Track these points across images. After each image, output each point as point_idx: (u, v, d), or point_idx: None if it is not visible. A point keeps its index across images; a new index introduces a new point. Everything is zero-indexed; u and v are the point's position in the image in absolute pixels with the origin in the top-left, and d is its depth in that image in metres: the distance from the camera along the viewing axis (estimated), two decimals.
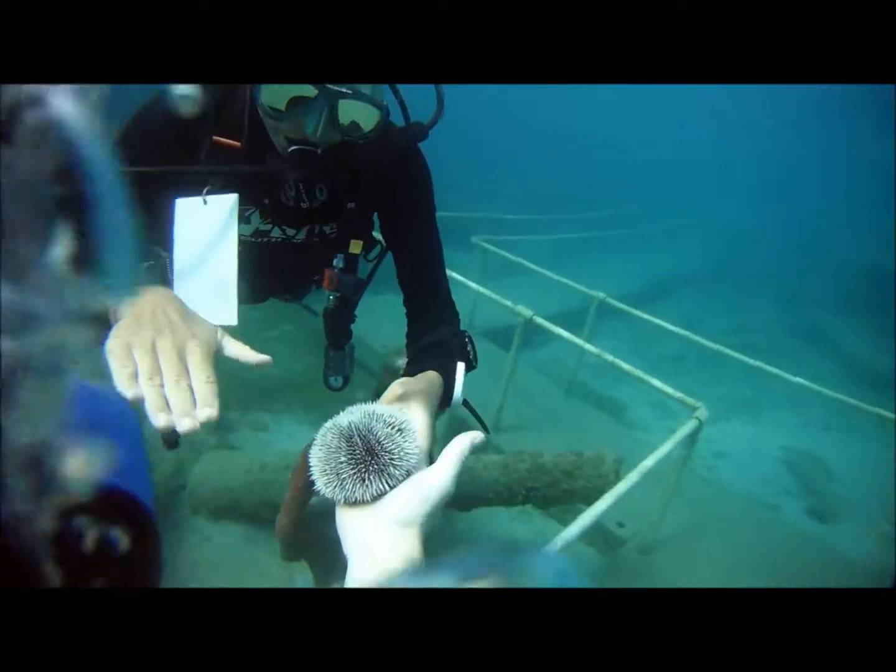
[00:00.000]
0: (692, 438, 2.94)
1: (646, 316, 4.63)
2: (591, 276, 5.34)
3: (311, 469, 0.64)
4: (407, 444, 0.65)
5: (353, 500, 0.61)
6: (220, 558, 2.89)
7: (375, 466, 0.62)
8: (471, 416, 1.15)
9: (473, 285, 4.21)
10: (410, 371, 1.07)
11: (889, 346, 9.11)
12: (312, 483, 0.65)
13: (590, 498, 2.30)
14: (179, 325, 0.72)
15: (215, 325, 0.81)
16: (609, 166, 19.45)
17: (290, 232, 1.22)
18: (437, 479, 0.62)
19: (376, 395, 0.82)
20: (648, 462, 2.49)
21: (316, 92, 0.95)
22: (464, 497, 2.69)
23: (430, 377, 0.98)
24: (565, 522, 2.41)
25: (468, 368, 1.10)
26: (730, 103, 24.17)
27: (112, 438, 0.33)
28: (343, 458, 0.62)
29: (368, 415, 0.65)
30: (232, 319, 1.06)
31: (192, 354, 0.66)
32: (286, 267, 1.28)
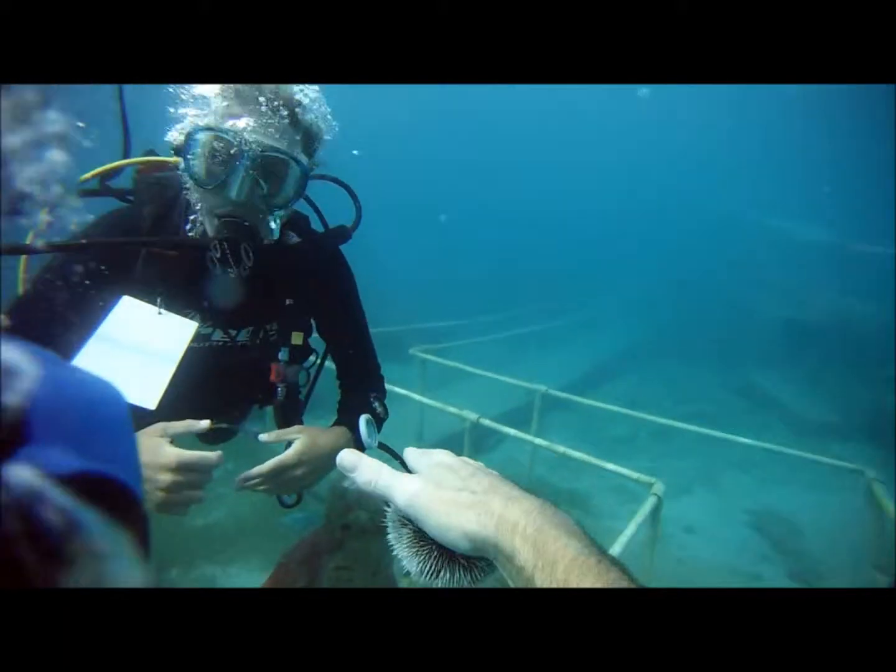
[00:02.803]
0: (654, 516, 2.90)
1: (589, 402, 4.72)
2: (530, 372, 5.47)
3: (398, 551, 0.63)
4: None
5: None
6: None
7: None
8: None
9: (416, 396, 4.19)
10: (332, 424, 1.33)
11: (817, 393, 9.68)
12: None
13: None
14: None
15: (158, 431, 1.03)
16: (531, 261, 20.58)
17: (232, 333, 1.28)
18: (412, 491, 0.59)
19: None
20: (615, 548, 2.43)
21: (235, 150, 1.04)
22: None
23: (334, 429, 1.30)
24: None
25: (377, 419, 1.37)
26: (630, 178, 26.30)
27: (102, 425, 0.34)
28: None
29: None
30: (151, 403, 1.09)
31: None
32: (230, 372, 1.29)
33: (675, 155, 24.03)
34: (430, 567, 0.60)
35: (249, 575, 3.50)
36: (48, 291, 1.09)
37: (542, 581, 0.47)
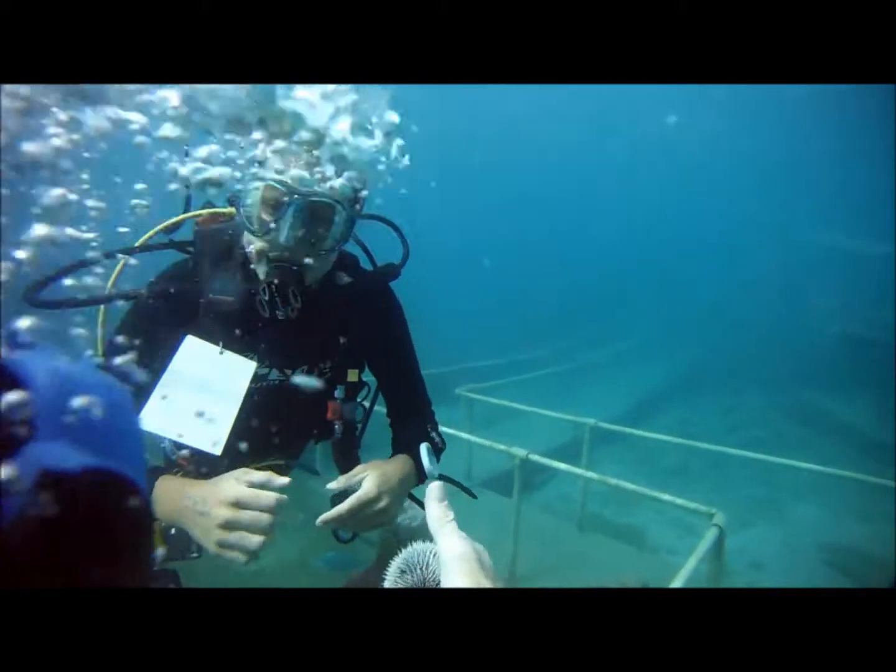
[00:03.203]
0: (718, 548, 2.79)
1: (639, 432, 4.64)
2: (577, 407, 5.43)
3: None
4: (430, 575, 0.67)
5: None
6: None
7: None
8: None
9: (464, 435, 4.24)
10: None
11: (881, 412, 9.09)
12: None
13: None
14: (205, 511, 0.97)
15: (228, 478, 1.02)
16: (571, 293, 20.42)
17: (288, 373, 1.32)
18: (451, 565, 0.57)
19: (380, 555, 0.83)
20: (676, 583, 2.33)
21: (285, 197, 1.10)
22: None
23: (398, 458, 1.29)
24: None
25: (436, 448, 1.37)
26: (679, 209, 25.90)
27: (108, 421, 0.34)
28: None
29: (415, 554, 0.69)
30: (218, 449, 1.14)
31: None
32: (286, 411, 1.34)
33: (711, 174, 23.72)
34: None
35: None
36: (131, 338, 1.18)
37: None
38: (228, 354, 1.23)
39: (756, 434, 8.32)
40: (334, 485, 1.20)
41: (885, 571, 4.91)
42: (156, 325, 1.20)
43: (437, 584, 0.63)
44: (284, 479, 1.04)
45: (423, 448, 1.29)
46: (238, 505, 0.97)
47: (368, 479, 1.19)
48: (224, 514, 0.96)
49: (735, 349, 14.16)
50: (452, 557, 0.57)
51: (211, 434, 1.17)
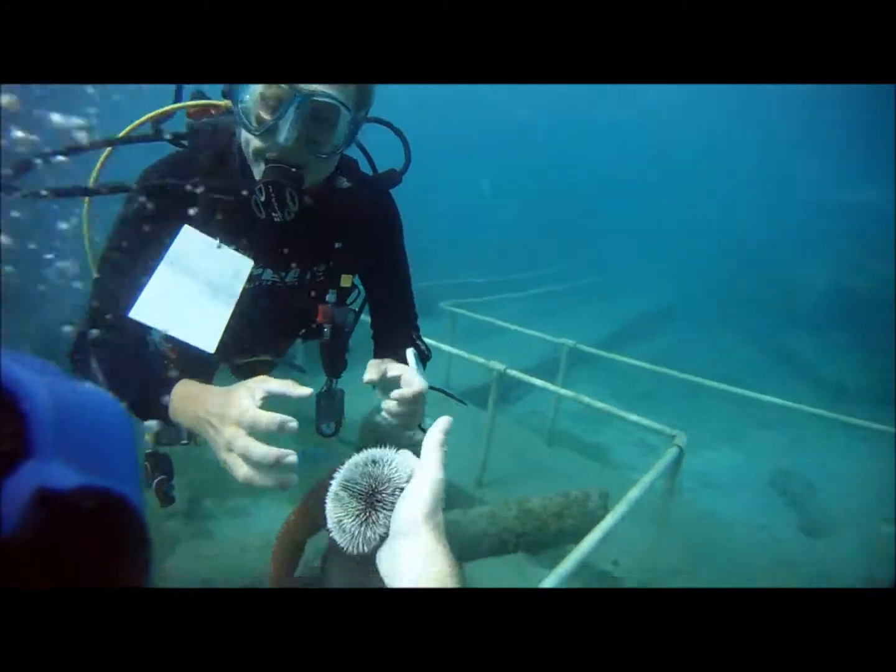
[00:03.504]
0: (675, 466, 2.98)
1: (617, 357, 4.78)
2: (558, 330, 5.52)
3: (332, 534, 0.71)
4: (390, 470, 0.72)
5: (371, 542, 0.68)
6: None
7: (373, 508, 0.69)
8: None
9: (446, 347, 4.33)
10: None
11: (858, 361, 9.44)
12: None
13: (580, 537, 2.30)
14: (219, 427, 0.91)
15: (250, 386, 0.93)
16: (569, 217, 20.15)
17: (282, 274, 1.32)
18: (424, 478, 0.67)
19: (358, 451, 0.87)
20: (634, 492, 2.50)
21: (286, 94, 1.04)
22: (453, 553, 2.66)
23: (387, 360, 1.21)
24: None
25: (422, 356, 1.32)
26: (685, 133, 25.23)
27: (103, 439, 0.35)
28: (345, 518, 0.70)
29: (351, 469, 0.74)
30: (211, 347, 1.14)
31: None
32: (278, 311, 1.35)
33: (726, 115, 22.78)
34: (348, 517, 0.69)
35: (279, 506, 3.76)
36: (125, 241, 1.16)
37: None
38: (226, 249, 1.20)
39: (730, 369, 8.59)
40: (370, 376, 1.15)
41: (813, 492, 5.39)
42: (150, 225, 1.16)
43: (391, 485, 0.70)
44: (306, 390, 0.94)
45: (411, 354, 1.24)
46: (240, 425, 0.89)
47: (411, 372, 1.16)
48: (234, 439, 0.88)
49: (724, 287, 14.24)
50: (429, 479, 0.66)
51: (205, 330, 1.16)
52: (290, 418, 0.84)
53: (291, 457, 0.79)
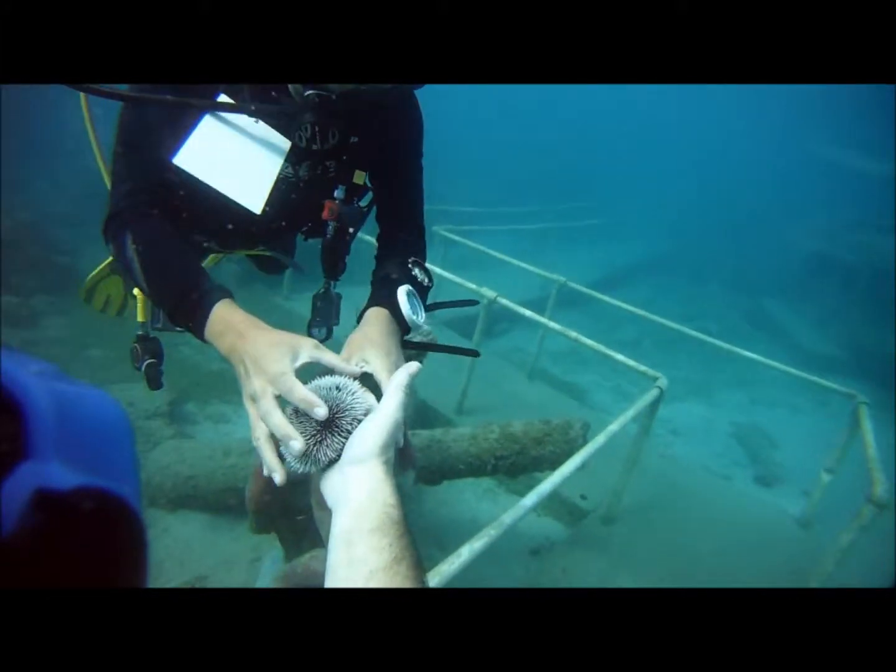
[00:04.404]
0: (653, 407, 3.07)
1: (605, 298, 4.80)
2: (549, 267, 5.48)
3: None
4: (352, 399, 0.74)
5: (320, 463, 0.71)
6: (183, 551, 2.82)
7: (328, 432, 0.71)
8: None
9: (437, 270, 4.27)
10: (366, 305, 1.11)
11: (828, 329, 9.74)
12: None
13: (558, 464, 2.36)
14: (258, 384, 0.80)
15: (304, 344, 0.83)
16: (567, 160, 19.75)
17: (296, 168, 1.23)
18: (382, 413, 0.70)
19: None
20: (613, 427, 2.59)
21: None
22: (432, 469, 2.72)
23: (377, 315, 1.04)
24: None
25: (421, 288, 1.16)
26: (680, 99, 24.60)
27: (101, 439, 0.35)
28: (302, 432, 0.71)
29: (314, 390, 0.74)
30: (258, 207, 1.13)
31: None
32: (288, 203, 1.27)
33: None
34: (304, 435, 0.71)
35: None
36: (151, 117, 1.08)
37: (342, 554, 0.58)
38: (263, 125, 1.12)
39: (707, 326, 8.76)
40: (338, 363, 0.90)
41: (771, 447, 5.73)
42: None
43: (349, 414, 0.72)
44: (355, 369, 0.84)
45: (404, 294, 1.10)
46: (269, 382, 0.79)
47: (374, 358, 0.92)
48: (262, 397, 0.79)
49: (712, 244, 14.29)
50: (388, 415, 0.70)
51: (251, 188, 1.12)
52: (320, 403, 0.73)
53: (299, 444, 0.72)
